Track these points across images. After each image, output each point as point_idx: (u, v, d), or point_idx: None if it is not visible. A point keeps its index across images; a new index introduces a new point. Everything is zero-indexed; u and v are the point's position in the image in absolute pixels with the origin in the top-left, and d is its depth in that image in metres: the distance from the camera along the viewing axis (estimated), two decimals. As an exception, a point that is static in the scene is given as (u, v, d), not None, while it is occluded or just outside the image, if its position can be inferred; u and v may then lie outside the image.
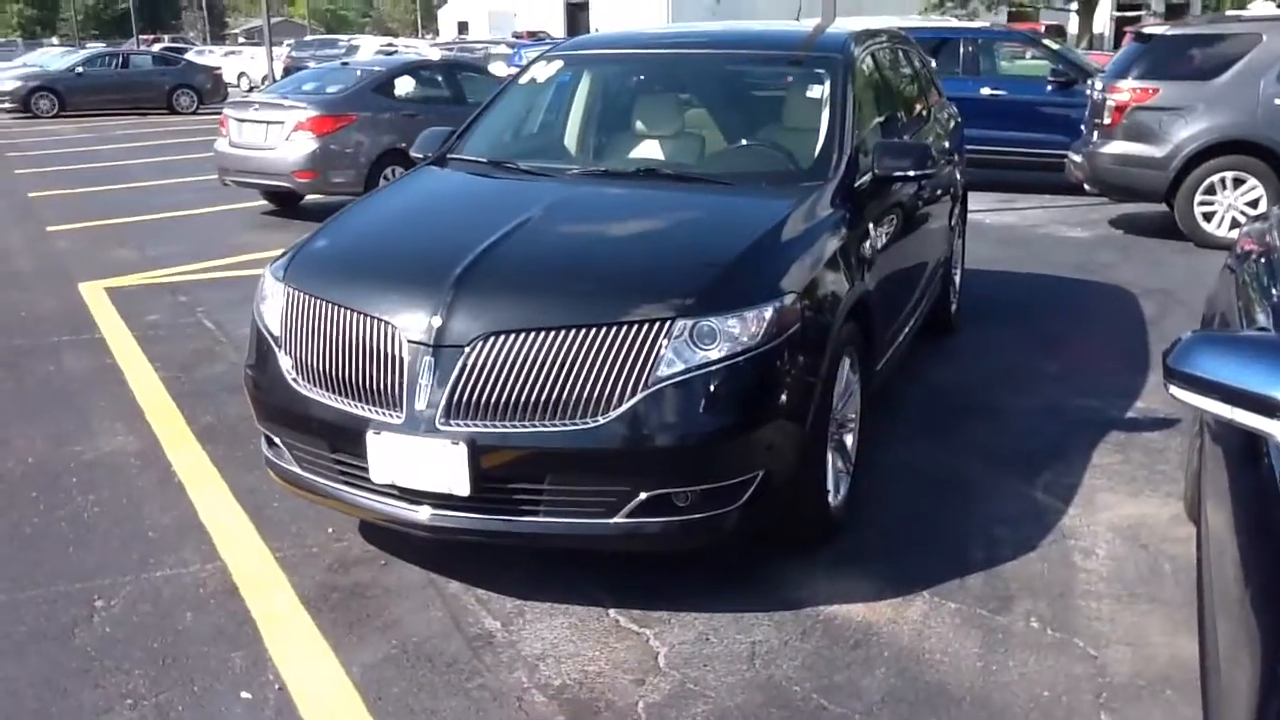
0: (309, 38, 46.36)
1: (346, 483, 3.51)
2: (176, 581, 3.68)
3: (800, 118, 4.60)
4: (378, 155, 10.67)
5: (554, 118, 5.13)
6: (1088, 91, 10.71)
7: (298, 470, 3.66)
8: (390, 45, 35.85)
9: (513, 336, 3.23)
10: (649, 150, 4.65)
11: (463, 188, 4.50)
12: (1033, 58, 14.01)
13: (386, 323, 3.36)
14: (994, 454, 4.74)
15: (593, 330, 3.21)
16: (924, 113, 5.99)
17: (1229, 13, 9.88)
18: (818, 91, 4.56)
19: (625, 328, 3.21)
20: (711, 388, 3.21)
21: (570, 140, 5.03)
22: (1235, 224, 9.20)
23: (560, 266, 3.60)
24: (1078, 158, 10.15)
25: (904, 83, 5.83)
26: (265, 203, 11.60)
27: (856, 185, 4.23)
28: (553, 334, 3.21)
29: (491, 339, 3.24)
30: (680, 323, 3.22)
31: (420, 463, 3.25)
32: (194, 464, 4.68)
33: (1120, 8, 48.37)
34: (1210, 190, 9.27)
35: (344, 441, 3.43)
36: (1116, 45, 38.43)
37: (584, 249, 3.78)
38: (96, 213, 11.39)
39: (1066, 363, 6.08)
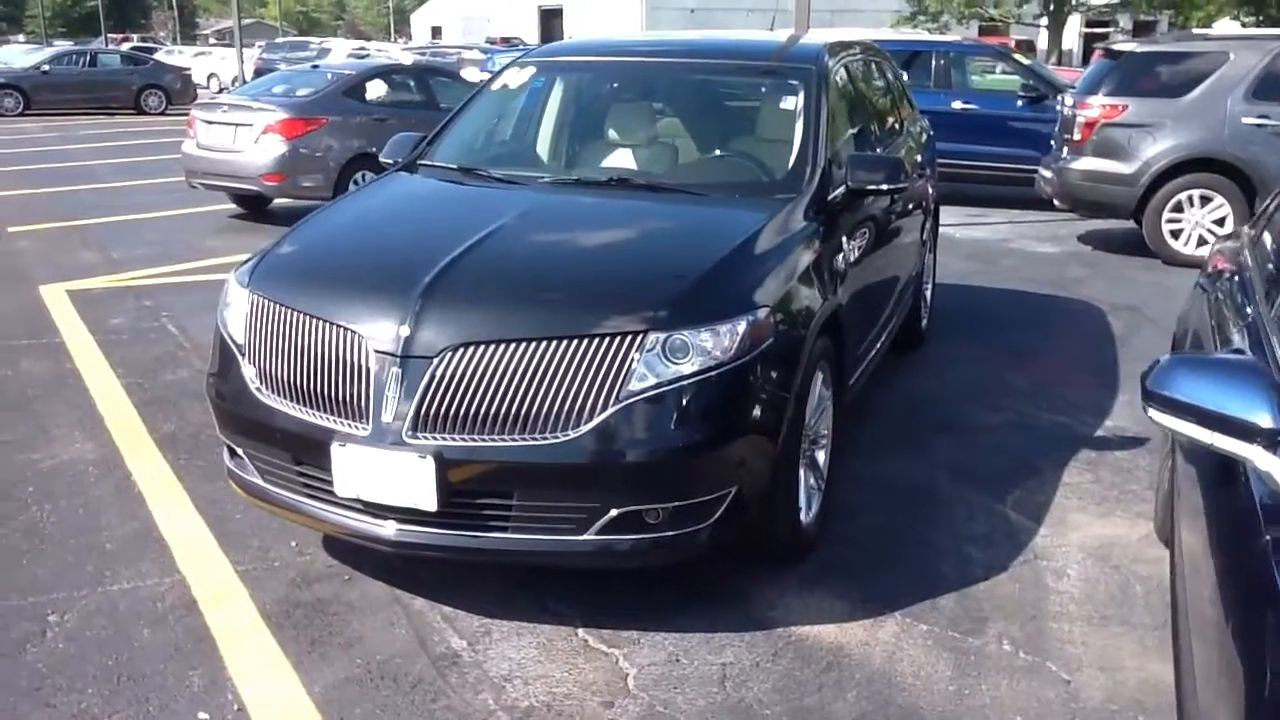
0: (280, 39, 45.99)
1: (310, 496, 3.43)
2: (133, 595, 3.59)
3: (774, 129, 4.57)
4: (347, 159, 10.56)
5: (526, 125, 5.07)
6: (1058, 107, 10.78)
7: (260, 482, 3.58)
8: (362, 48, 35.67)
9: (482, 348, 3.17)
10: (621, 159, 4.60)
11: (433, 195, 4.43)
12: (1003, 72, 14.10)
13: (353, 332, 3.29)
14: (965, 470, 4.72)
15: (563, 342, 3.15)
16: (897, 126, 5.98)
17: (1196, 30, 9.93)
18: (791, 103, 4.53)
19: (596, 340, 3.15)
20: (684, 403, 3.16)
21: (543, 148, 4.97)
22: (1202, 241, 9.28)
23: (531, 277, 3.54)
24: (1048, 173, 10.21)
25: (877, 95, 5.82)
26: (233, 206, 11.45)
27: (830, 198, 4.20)
28: (523, 346, 3.15)
29: (460, 350, 3.17)
30: (652, 336, 3.17)
31: (386, 476, 3.18)
32: (154, 473, 4.58)
33: (1089, 24, 48.91)
34: (1178, 208, 9.33)
35: (308, 453, 3.35)
36: (1085, 61, 38.85)
37: (555, 259, 3.72)
38: (60, 213, 11.20)
39: (1036, 379, 6.08)
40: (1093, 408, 5.58)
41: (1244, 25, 33.76)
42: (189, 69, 30.74)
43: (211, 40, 76.21)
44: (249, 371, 3.52)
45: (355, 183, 10.63)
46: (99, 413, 5.29)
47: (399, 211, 4.29)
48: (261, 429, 3.48)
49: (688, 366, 3.18)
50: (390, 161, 4.80)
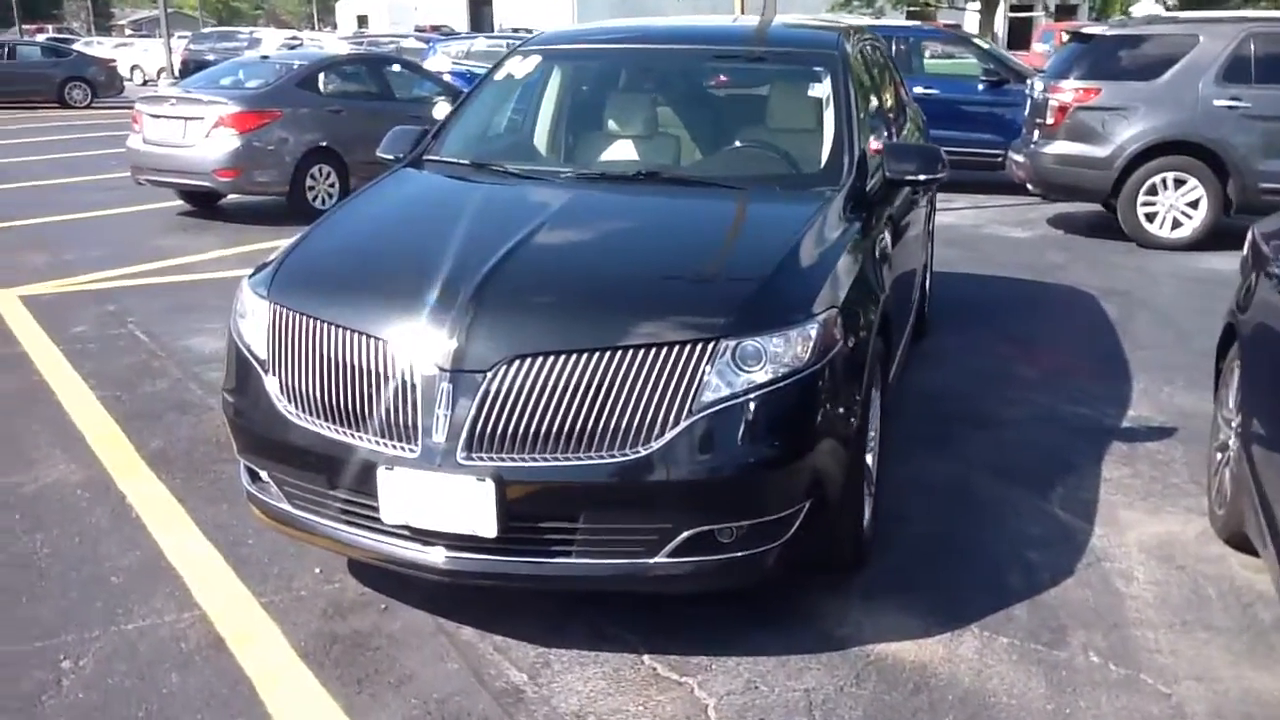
0: (207, 30, 44.71)
1: (349, 522, 3.15)
2: (152, 635, 3.28)
3: (803, 117, 4.37)
4: (304, 153, 10.16)
5: (539, 117, 4.79)
6: (1027, 91, 10.74)
7: (287, 508, 3.29)
8: (295, 39, 34.71)
9: (540, 360, 2.92)
10: (646, 152, 4.35)
11: (454, 193, 4.14)
12: (960, 57, 14.07)
13: (394, 345, 3.03)
14: (999, 467, 4.58)
15: (629, 352, 2.92)
16: (903, 110, 5.82)
17: (1165, 14, 9.94)
18: (819, 90, 4.33)
19: (665, 349, 2.93)
20: (760, 414, 2.95)
21: (559, 141, 4.71)
22: (1177, 224, 9.31)
23: (585, 281, 3.29)
24: (1019, 158, 10.16)
25: (885, 81, 5.65)
26: (181, 203, 10.97)
27: (868, 189, 4.02)
28: (585, 357, 2.91)
29: (517, 363, 2.92)
30: (724, 343, 2.95)
31: (440, 501, 2.93)
32: (150, 496, 4.25)
33: (1013, 9, 49.45)
34: (1152, 191, 9.33)
35: (347, 477, 3.08)
36: (1010, 44, 39.29)
37: (606, 261, 3.47)
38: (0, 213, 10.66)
39: (1047, 369, 5.98)
40: (1112, 398, 5.48)
41: (1167, 9, 34.35)
42: (114, 60, 29.68)
43: (128, 31, 73.96)
44: (273, 388, 3.23)
45: (313, 176, 10.27)
46: (78, 430, 4.92)
47: (422, 212, 4.00)
48: (290, 450, 3.19)
49: (761, 375, 2.96)
50: (391, 157, 4.51)
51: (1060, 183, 9.85)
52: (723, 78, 4.97)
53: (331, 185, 10.35)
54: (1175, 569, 3.75)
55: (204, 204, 10.85)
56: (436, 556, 3.04)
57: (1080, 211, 10.90)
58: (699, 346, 2.93)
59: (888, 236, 4.15)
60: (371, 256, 3.60)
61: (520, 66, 4.80)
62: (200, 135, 9.91)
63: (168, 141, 10.15)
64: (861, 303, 3.43)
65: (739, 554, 3.03)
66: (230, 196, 10.62)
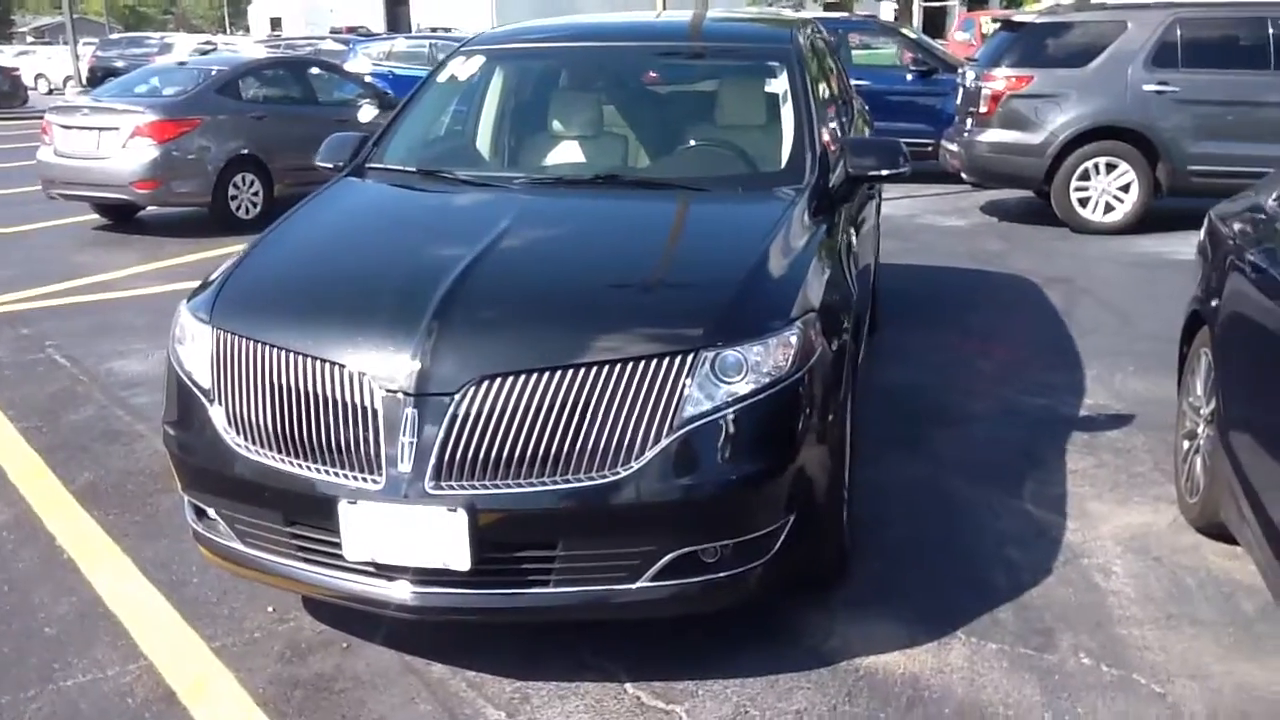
0: (114, 36, 43.33)
1: (307, 560, 2.95)
2: (95, 691, 3.04)
3: (760, 114, 4.25)
4: (226, 161, 9.81)
5: (487, 120, 4.59)
6: (959, 80, 10.78)
7: (238, 546, 3.07)
8: (209, 43, 33.81)
9: (511, 379, 2.75)
10: (601, 154, 4.18)
11: (403, 203, 3.95)
12: (879, 47, 14.12)
13: (350, 369, 2.83)
14: (967, 464, 4.51)
15: (605, 368, 2.76)
16: (849, 104, 5.74)
17: (1094, 0, 10.04)
18: (776, 85, 4.22)
19: (644, 363, 2.78)
20: (744, 426, 2.81)
21: (510, 145, 4.52)
22: (1109, 208, 9.40)
23: (554, 294, 3.12)
24: (954, 146, 10.19)
25: (832, 74, 5.55)
26: (96, 217, 10.54)
27: (830, 186, 3.91)
28: (559, 374, 2.75)
29: (485, 383, 2.75)
30: (704, 354, 2.81)
31: (408, 535, 2.74)
32: (83, 535, 3.99)
33: (927, -2, 50.04)
34: (1085, 176, 9.41)
35: (305, 512, 2.88)
36: (926, 34, 39.69)
37: (573, 272, 3.30)
38: (-103, 233, 10.12)
39: (1002, 360, 5.95)
40: (1068, 387, 5.45)
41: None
42: (17, 69, 28.64)
43: (29, 38, 71.61)
44: (220, 420, 3.01)
45: (236, 186, 9.92)
46: (-1, 465, 4.63)
47: (371, 224, 3.79)
48: (240, 486, 2.98)
49: (742, 386, 2.83)
50: (330, 165, 4.28)
51: (995, 171, 9.89)
52: (653, 74, 4.82)
53: (255, 194, 10.01)
54: (1152, 561, 3.70)
55: (120, 217, 10.44)
56: (403, 592, 2.85)
57: (1011, 198, 10.99)
58: (678, 359, 2.79)
59: (853, 234, 4.05)
60: (321, 275, 3.38)
61: (464, 68, 4.60)
62: (116, 146, 9.52)
63: (81, 153, 9.74)
64: (836, 305, 3.31)
65: (724, 574, 2.89)
66: (149, 209, 10.22)
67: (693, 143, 4.29)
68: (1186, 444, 4.05)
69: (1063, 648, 3.19)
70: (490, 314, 2.95)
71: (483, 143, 4.56)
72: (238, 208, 9.94)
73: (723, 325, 2.89)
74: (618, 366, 2.76)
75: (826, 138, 4.11)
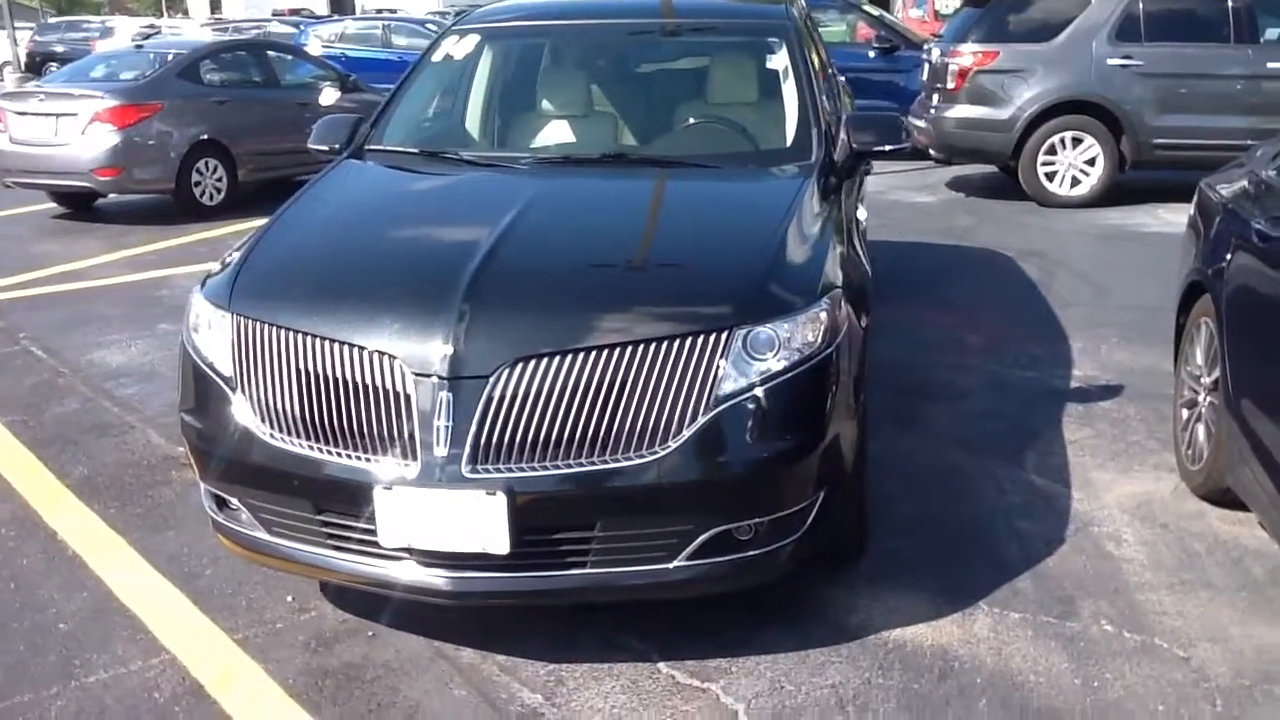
0: (53, 20, 42.26)
1: (337, 547, 2.92)
2: (120, 687, 2.99)
3: (764, 90, 4.24)
4: (189, 147, 9.62)
5: (487, 100, 4.54)
6: (924, 56, 10.84)
7: (264, 536, 3.03)
8: (152, 27, 33.08)
9: (547, 360, 2.73)
10: (607, 133, 4.16)
11: (413, 184, 3.89)
12: (842, 24, 14.17)
13: (381, 353, 2.80)
14: (966, 437, 4.56)
15: (640, 347, 2.75)
16: (834, 80, 5.74)
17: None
18: (777, 61, 4.22)
19: (679, 341, 2.77)
20: (778, 402, 2.82)
21: (513, 124, 4.46)
22: (1075, 182, 9.52)
23: (583, 274, 3.10)
24: (921, 123, 10.24)
25: (820, 50, 5.55)
26: (54, 205, 10.31)
27: (836, 161, 3.92)
28: (595, 354, 2.74)
29: (520, 365, 2.73)
30: (737, 332, 2.81)
31: (446, 520, 2.72)
32: (85, 529, 3.91)
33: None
34: (1051, 150, 9.52)
35: (337, 500, 2.84)
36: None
37: (599, 251, 3.27)
38: None
39: (987, 334, 6.01)
40: (1055, 359, 5.53)
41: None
42: (-48, 55, 27.85)
43: (-41, 23, 69.60)
44: (243, 408, 2.96)
45: (199, 171, 9.73)
46: (-12, 461, 4.52)
47: (383, 206, 3.73)
48: (267, 475, 2.93)
49: (775, 363, 2.83)
50: (325, 148, 4.21)
51: (963, 146, 9.98)
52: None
53: (219, 179, 9.82)
54: (1159, 528, 3.77)
55: (79, 205, 10.23)
56: (439, 578, 2.83)
57: (976, 173, 11.09)
58: (713, 337, 2.79)
59: (857, 210, 4.06)
60: (340, 259, 3.33)
61: (458, 47, 4.54)
62: (75, 132, 9.30)
63: (37, 140, 9.51)
64: (854, 279, 3.33)
65: (757, 551, 2.90)
66: (109, 196, 10.01)
67: (703, 120, 4.25)
68: (1186, 413, 4.13)
69: (1084, 615, 3.24)
70: (522, 295, 2.93)
71: (485, 122, 4.50)
72: (201, 194, 9.76)
73: (754, 303, 2.89)
74: (653, 346, 2.75)
75: (828, 114, 4.11)
